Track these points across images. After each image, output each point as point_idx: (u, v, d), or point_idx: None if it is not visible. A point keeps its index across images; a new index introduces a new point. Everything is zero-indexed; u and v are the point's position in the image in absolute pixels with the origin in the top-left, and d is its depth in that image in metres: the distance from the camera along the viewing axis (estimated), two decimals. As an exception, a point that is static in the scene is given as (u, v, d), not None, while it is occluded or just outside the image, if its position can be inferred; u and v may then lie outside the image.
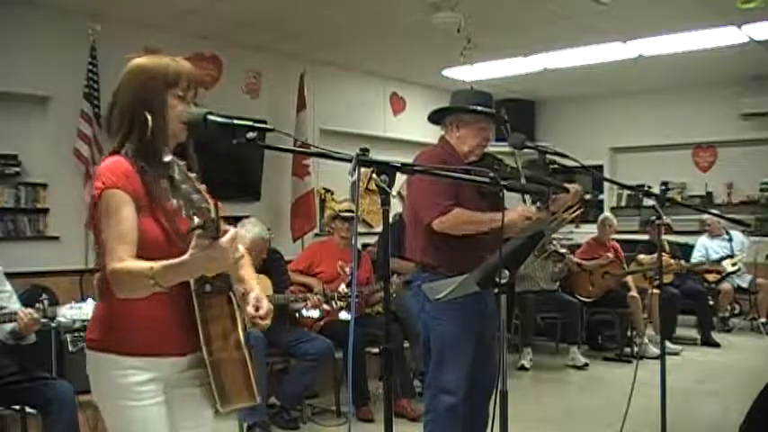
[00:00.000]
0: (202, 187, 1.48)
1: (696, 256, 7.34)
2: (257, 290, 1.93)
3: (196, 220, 1.45)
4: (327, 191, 7.31)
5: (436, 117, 3.14)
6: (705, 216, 7.20)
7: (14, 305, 3.21)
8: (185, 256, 1.53)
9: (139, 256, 1.63)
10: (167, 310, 1.73)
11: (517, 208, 2.78)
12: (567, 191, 2.86)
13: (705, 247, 7.40)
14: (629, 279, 6.51)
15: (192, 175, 1.47)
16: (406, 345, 4.83)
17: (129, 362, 1.72)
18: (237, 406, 1.82)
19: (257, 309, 1.87)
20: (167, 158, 1.46)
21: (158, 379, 1.75)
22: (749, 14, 5.52)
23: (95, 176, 1.70)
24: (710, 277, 7.26)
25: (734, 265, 7.21)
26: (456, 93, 3.16)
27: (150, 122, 1.71)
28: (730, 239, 7.34)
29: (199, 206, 1.45)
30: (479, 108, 2.99)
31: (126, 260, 1.61)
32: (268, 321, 1.90)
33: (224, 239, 1.49)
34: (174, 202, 1.46)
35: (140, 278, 1.57)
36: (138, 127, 1.72)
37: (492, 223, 2.76)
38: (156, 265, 1.57)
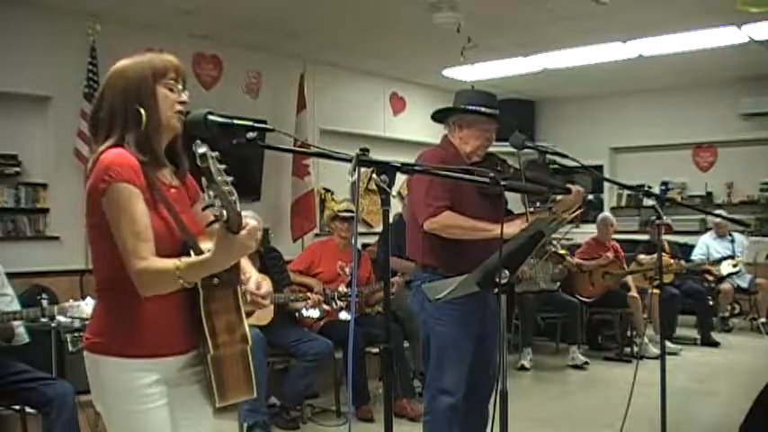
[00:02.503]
0: (230, 178, 1.47)
1: (697, 254, 7.35)
2: (256, 274, 1.94)
3: (224, 213, 1.46)
4: (327, 191, 7.31)
5: (439, 116, 3.14)
6: (717, 219, 7.18)
7: (16, 308, 3.22)
8: (209, 253, 1.56)
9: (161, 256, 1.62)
10: (171, 308, 1.72)
11: (516, 222, 2.76)
12: (570, 191, 2.85)
13: (707, 246, 7.40)
14: (629, 279, 6.51)
15: (222, 166, 1.45)
16: (406, 345, 4.83)
17: (136, 364, 1.69)
18: (234, 401, 1.82)
19: (258, 288, 1.88)
20: (202, 150, 1.43)
21: (161, 380, 1.73)
22: (749, 14, 5.52)
23: (99, 168, 1.65)
24: (710, 277, 7.27)
25: (734, 266, 7.21)
26: (459, 92, 3.14)
27: (144, 116, 1.70)
28: (732, 240, 7.35)
29: (230, 201, 1.46)
30: (482, 109, 2.98)
31: (149, 259, 1.61)
32: (268, 302, 1.90)
33: (244, 233, 1.53)
34: (208, 195, 1.45)
35: (169, 277, 1.59)
36: (133, 122, 1.71)
37: (484, 233, 2.75)
38: (182, 263, 1.59)
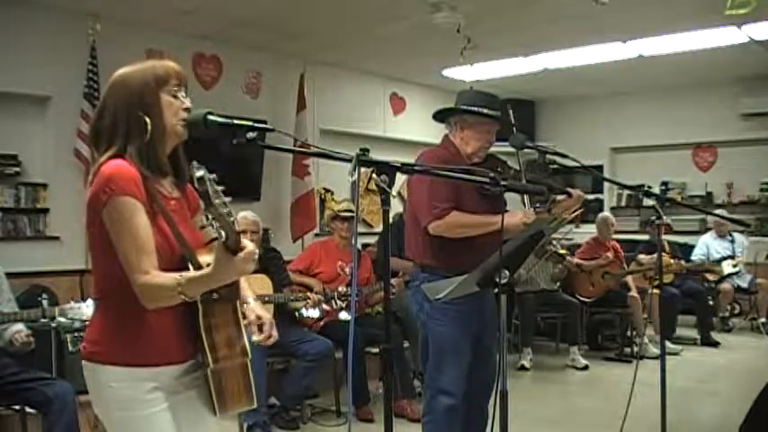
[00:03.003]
0: (227, 199, 1.48)
1: (697, 254, 7.35)
2: (251, 300, 1.93)
3: (223, 234, 1.48)
4: (327, 191, 7.31)
5: (441, 116, 3.13)
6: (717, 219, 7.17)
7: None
8: (209, 270, 1.56)
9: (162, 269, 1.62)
10: (171, 319, 1.72)
11: (518, 213, 2.76)
12: (570, 195, 2.85)
13: (707, 246, 7.40)
14: (629, 279, 6.52)
15: (220, 187, 1.46)
16: (406, 345, 4.83)
17: (135, 373, 1.69)
18: (235, 411, 1.82)
19: (261, 328, 1.88)
20: (200, 173, 1.43)
21: (160, 388, 1.73)
22: (749, 15, 5.52)
23: (100, 180, 1.64)
24: (710, 277, 7.27)
25: (734, 266, 7.21)
26: (462, 93, 3.13)
27: (149, 124, 1.69)
28: (732, 241, 7.35)
29: (227, 222, 1.47)
30: (485, 111, 2.97)
31: (151, 272, 1.61)
32: (273, 341, 1.90)
33: (242, 255, 1.54)
34: (204, 217, 1.46)
35: (170, 292, 1.59)
36: (137, 130, 1.69)
37: (489, 227, 2.75)
38: (182, 278, 1.59)
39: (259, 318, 1.90)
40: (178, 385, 1.79)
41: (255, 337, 1.87)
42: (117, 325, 1.71)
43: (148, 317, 1.67)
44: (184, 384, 1.80)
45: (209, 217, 1.45)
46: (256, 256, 1.61)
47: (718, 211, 6.95)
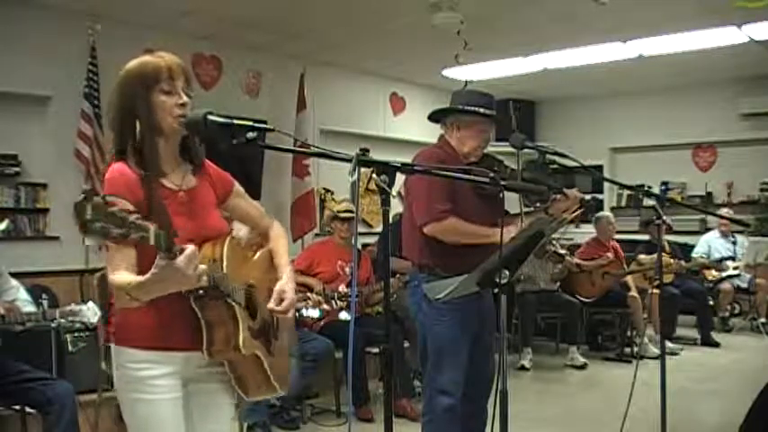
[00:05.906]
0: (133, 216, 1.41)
1: (698, 252, 7.35)
2: (285, 279, 1.93)
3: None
4: (327, 191, 7.31)
5: (437, 116, 3.13)
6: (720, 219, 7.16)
7: (23, 296, 3.22)
8: (147, 275, 1.53)
9: (146, 267, 1.61)
10: (173, 305, 1.72)
11: (511, 228, 2.75)
12: (566, 195, 2.85)
13: (709, 245, 7.40)
14: (629, 279, 6.51)
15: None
16: (407, 345, 4.83)
17: (143, 355, 1.74)
18: (260, 397, 1.91)
19: (280, 301, 1.87)
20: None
21: (175, 374, 1.76)
22: (749, 14, 5.53)
23: (103, 182, 1.73)
24: (710, 275, 7.25)
25: (735, 268, 7.21)
26: (457, 93, 3.13)
27: (139, 128, 1.72)
28: (734, 242, 7.35)
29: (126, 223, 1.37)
30: (481, 110, 2.97)
31: (116, 272, 1.63)
32: (291, 315, 1.92)
33: (180, 259, 1.47)
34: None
35: (123, 294, 1.61)
36: (129, 132, 1.73)
37: (485, 238, 2.75)
38: (133, 281, 1.60)
39: (282, 292, 1.89)
40: (200, 375, 1.83)
41: (270, 304, 1.87)
42: (126, 309, 1.74)
43: (166, 304, 1.68)
44: (208, 376, 1.84)
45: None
46: (197, 260, 1.53)
47: (722, 211, 6.95)
